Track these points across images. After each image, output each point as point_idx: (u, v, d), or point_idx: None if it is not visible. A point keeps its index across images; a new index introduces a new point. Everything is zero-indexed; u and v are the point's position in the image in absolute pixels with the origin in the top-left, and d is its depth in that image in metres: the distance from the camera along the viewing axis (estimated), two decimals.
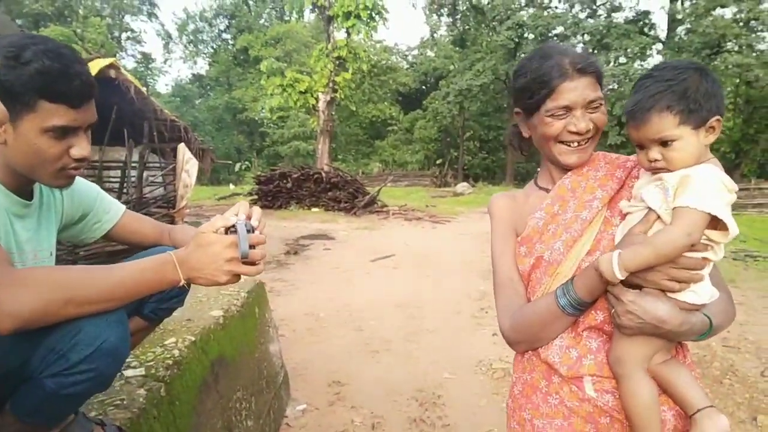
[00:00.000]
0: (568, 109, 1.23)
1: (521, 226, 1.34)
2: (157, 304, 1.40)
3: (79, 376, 1.02)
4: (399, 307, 5.50)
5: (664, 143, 1.09)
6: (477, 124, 34.52)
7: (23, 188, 1.26)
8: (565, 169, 1.32)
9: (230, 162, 30.33)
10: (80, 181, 1.44)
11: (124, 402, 1.61)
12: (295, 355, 3.98)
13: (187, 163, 7.75)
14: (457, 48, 36.53)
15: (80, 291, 1.03)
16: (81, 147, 1.19)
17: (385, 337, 4.54)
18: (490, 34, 32.18)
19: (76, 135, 1.19)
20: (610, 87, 25.72)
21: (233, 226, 1.17)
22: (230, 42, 46.91)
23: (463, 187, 23.45)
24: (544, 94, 1.24)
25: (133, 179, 7.79)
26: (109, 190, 8.20)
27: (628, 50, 27.21)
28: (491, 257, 1.39)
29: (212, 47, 49.08)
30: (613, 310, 1.11)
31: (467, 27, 36.46)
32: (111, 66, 9.38)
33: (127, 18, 45.76)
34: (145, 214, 7.30)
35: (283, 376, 3.29)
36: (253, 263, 1.18)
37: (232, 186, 25.52)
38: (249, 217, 1.23)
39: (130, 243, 1.57)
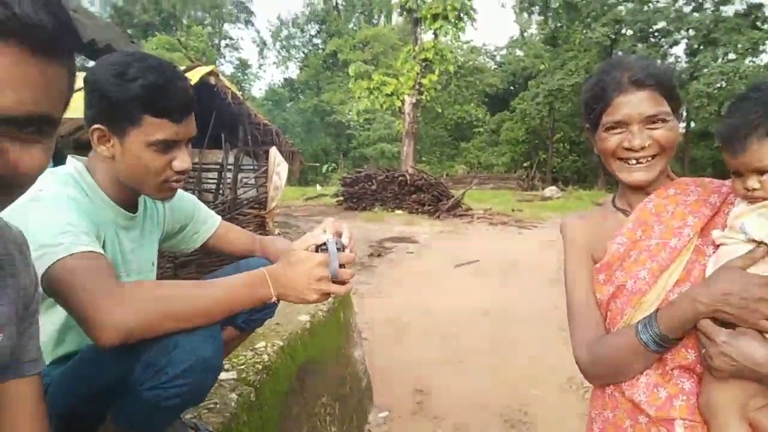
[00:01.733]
0: (624, 124, 1.15)
1: (598, 251, 1.26)
2: (250, 315, 1.43)
3: (176, 390, 1.05)
4: (483, 316, 5.38)
5: (765, 171, 0.98)
6: (568, 126, 33.16)
7: (129, 201, 1.32)
8: (638, 189, 1.22)
9: (318, 164, 31.22)
10: (180, 193, 1.49)
11: (217, 406, 1.66)
12: (378, 361, 3.98)
13: (278, 165, 8.06)
14: (548, 47, 35.32)
15: (178, 306, 1.06)
16: (183, 160, 1.24)
17: (469, 347, 4.45)
18: (584, 31, 30.85)
19: (178, 148, 1.23)
20: (718, 85, 23.84)
21: (324, 243, 1.17)
22: (320, 46, 48.29)
23: (551, 191, 22.62)
24: (600, 108, 1.19)
25: (228, 181, 8.18)
26: (206, 191, 8.69)
27: (739, 46, 25.07)
28: (565, 283, 1.31)
29: (303, 52, 50.81)
30: (703, 351, 1.01)
31: (559, 25, 35.16)
32: (211, 73, 9.92)
33: (226, 26, 48.56)
34: (239, 214, 7.66)
35: (366, 382, 3.30)
36: (342, 282, 1.17)
37: (319, 187, 26.23)
38: (339, 234, 1.22)
39: (225, 252, 1.62)
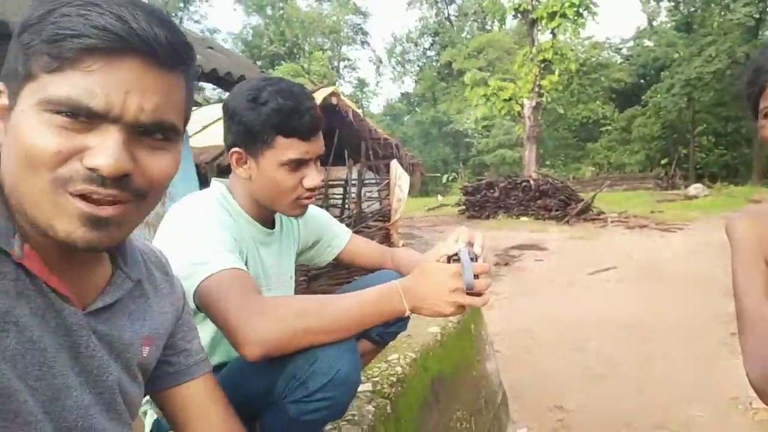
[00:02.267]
0: None
1: None
2: (384, 328, 1.43)
3: (317, 404, 1.06)
4: (626, 327, 4.95)
5: None
6: (711, 116, 29.95)
7: (266, 218, 1.38)
8: None
9: (438, 174, 31.29)
10: (312, 209, 1.54)
11: (355, 417, 1.66)
12: (512, 374, 3.81)
13: (399, 178, 8.15)
14: (682, 33, 32.36)
15: (317, 321, 1.07)
16: (312, 177, 1.27)
17: (611, 361, 4.11)
18: (723, 13, 27.88)
19: (307, 166, 1.27)
20: None
21: (456, 254, 1.12)
22: (434, 58, 48.65)
23: (696, 189, 20.49)
24: (755, 92, 1.07)
25: (353, 195, 8.44)
26: (333, 206, 9.03)
27: None
28: (734, 289, 1.16)
29: (418, 65, 51.54)
30: None
31: (693, 9, 32.12)
32: (332, 94, 10.36)
33: (344, 48, 50.65)
34: (364, 227, 7.84)
35: (502, 397, 3.16)
36: (478, 294, 1.11)
37: (440, 197, 26.22)
38: (471, 244, 1.17)
39: (356, 265, 1.65)
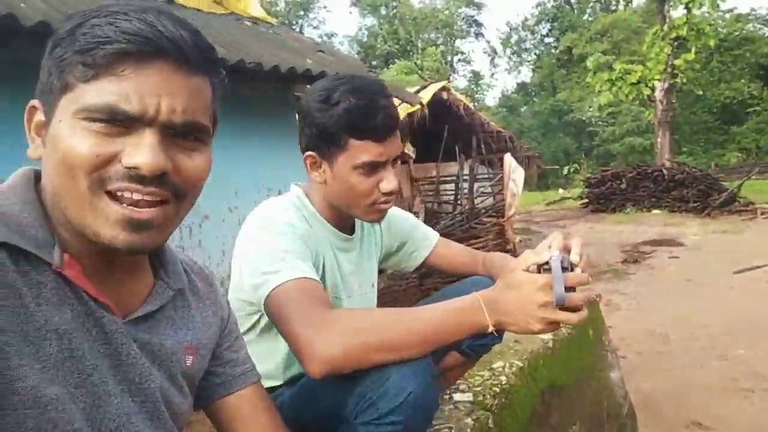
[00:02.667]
0: None
1: None
2: (473, 341, 1.30)
3: (389, 428, 0.96)
4: None
5: None
6: None
7: (345, 223, 1.32)
8: None
9: (558, 166, 29.88)
10: (396, 212, 1.47)
11: (452, 430, 1.55)
12: (642, 384, 3.47)
13: (514, 172, 7.83)
14: None
15: (388, 336, 0.98)
16: (389, 181, 1.19)
17: (761, 373, 3.61)
18: None
19: (384, 169, 1.19)
20: None
21: (547, 262, 0.97)
22: (553, 45, 46.56)
23: None
24: None
25: (465, 191, 8.27)
26: (445, 203, 8.92)
27: None
28: None
29: (535, 54, 49.62)
30: None
31: None
32: (443, 89, 10.27)
33: (458, 42, 50.18)
34: (477, 223, 7.65)
35: (628, 409, 2.86)
36: (574, 308, 0.95)
37: (561, 190, 25.05)
38: (567, 251, 1.00)
39: (445, 270, 1.56)
